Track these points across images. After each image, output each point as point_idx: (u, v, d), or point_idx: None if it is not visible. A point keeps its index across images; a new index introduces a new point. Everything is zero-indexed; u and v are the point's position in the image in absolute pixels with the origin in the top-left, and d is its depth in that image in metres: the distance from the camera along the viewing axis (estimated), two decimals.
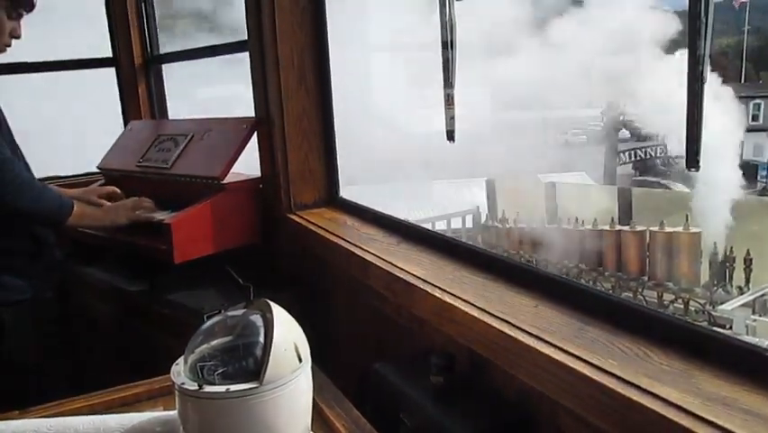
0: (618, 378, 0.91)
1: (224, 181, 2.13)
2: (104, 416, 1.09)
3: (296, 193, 2.17)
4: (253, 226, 2.23)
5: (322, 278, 2.04)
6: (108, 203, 2.18)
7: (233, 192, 2.17)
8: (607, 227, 5.78)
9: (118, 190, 2.24)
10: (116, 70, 2.96)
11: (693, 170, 0.95)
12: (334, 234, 1.86)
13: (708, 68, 0.96)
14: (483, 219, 8.37)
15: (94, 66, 3.60)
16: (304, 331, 1.01)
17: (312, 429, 1.03)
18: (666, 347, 0.99)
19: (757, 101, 24.34)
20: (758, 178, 21.39)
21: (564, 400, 1.00)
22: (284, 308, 1.01)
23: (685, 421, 0.80)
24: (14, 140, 1.92)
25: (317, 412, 1.12)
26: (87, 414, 1.12)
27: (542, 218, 6.86)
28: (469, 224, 8.73)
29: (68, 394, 1.26)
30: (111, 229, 2.13)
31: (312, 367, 1.01)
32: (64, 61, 3.90)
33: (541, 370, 1.03)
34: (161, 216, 2.12)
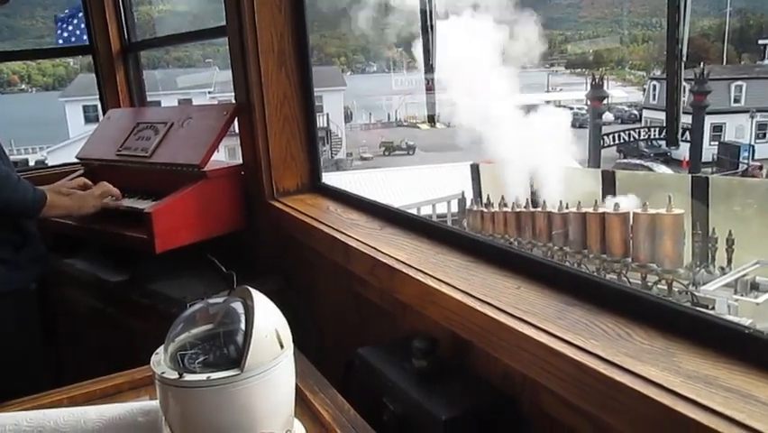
0: (600, 358, 0.92)
1: (206, 169, 2.11)
2: (84, 407, 1.08)
3: (278, 179, 2.15)
4: (235, 214, 2.21)
5: (305, 264, 2.03)
6: (80, 192, 2.16)
7: (215, 180, 2.15)
8: (590, 210, 5.80)
9: (88, 181, 2.22)
10: (93, 58, 2.91)
11: (674, 147, 0.95)
12: (317, 220, 1.85)
13: (686, 47, 0.95)
14: (468, 203, 8.39)
15: (71, 54, 3.56)
16: (286, 318, 1.00)
17: (296, 416, 1.03)
18: (648, 326, 0.99)
19: (739, 83, 24.50)
20: (740, 159, 21.60)
21: (547, 382, 1.00)
22: (267, 294, 1.00)
23: (666, 400, 0.80)
24: None
25: (301, 398, 1.11)
26: (68, 406, 1.11)
27: (527, 202, 6.87)
28: (454, 208, 8.76)
29: (49, 387, 1.25)
30: (79, 217, 2.12)
31: (295, 353, 1.00)
32: (43, 50, 3.85)
33: (523, 352, 1.03)
34: (142, 205, 2.10)
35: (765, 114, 24.01)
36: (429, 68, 1.68)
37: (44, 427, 1.02)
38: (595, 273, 5.28)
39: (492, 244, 1.42)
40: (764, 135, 24.39)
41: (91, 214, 2.10)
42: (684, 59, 0.95)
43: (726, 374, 0.85)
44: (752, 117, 23.73)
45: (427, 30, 1.64)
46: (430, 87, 1.71)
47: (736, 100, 24.42)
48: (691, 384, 0.83)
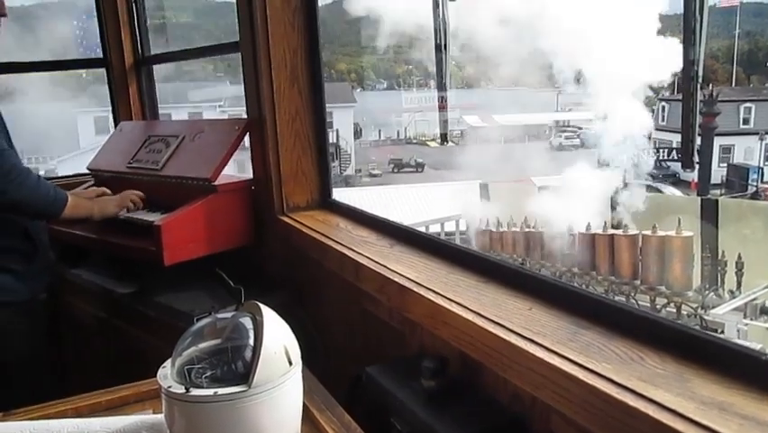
0: (612, 382, 0.90)
1: (216, 183, 2.12)
2: (89, 419, 1.07)
3: (288, 195, 2.15)
4: (245, 228, 2.21)
5: (314, 280, 2.02)
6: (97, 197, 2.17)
7: (225, 194, 2.15)
8: (600, 231, 5.76)
9: (108, 191, 2.23)
10: (107, 71, 2.94)
11: (689, 170, 0.94)
12: (327, 237, 1.84)
13: (701, 69, 0.95)
14: (477, 223, 8.34)
15: (85, 66, 3.59)
16: (295, 334, 0.99)
17: None
18: (661, 350, 0.98)
19: (748, 105, 24.46)
20: (749, 181, 21.51)
21: (557, 405, 0.98)
22: (275, 310, 0.99)
23: (680, 426, 0.79)
24: (8, 132, 1.90)
25: (307, 416, 1.10)
26: (73, 417, 1.10)
27: (535, 222, 6.83)
28: (462, 227, 8.70)
29: (55, 397, 1.24)
30: (88, 228, 2.12)
31: (302, 370, 0.99)
32: (59, 61, 3.89)
33: (534, 374, 1.02)
34: (152, 217, 2.10)
35: None
36: (442, 85, 1.68)
37: None
38: (603, 295, 5.23)
39: (504, 264, 1.41)
40: None
41: (109, 218, 2.10)
42: (700, 80, 0.95)
43: (741, 401, 0.83)
44: (761, 139, 23.66)
45: (440, 48, 1.64)
46: (442, 105, 1.70)
47: (745, 122, 24.37)
48: (706, 410, 0.81)
